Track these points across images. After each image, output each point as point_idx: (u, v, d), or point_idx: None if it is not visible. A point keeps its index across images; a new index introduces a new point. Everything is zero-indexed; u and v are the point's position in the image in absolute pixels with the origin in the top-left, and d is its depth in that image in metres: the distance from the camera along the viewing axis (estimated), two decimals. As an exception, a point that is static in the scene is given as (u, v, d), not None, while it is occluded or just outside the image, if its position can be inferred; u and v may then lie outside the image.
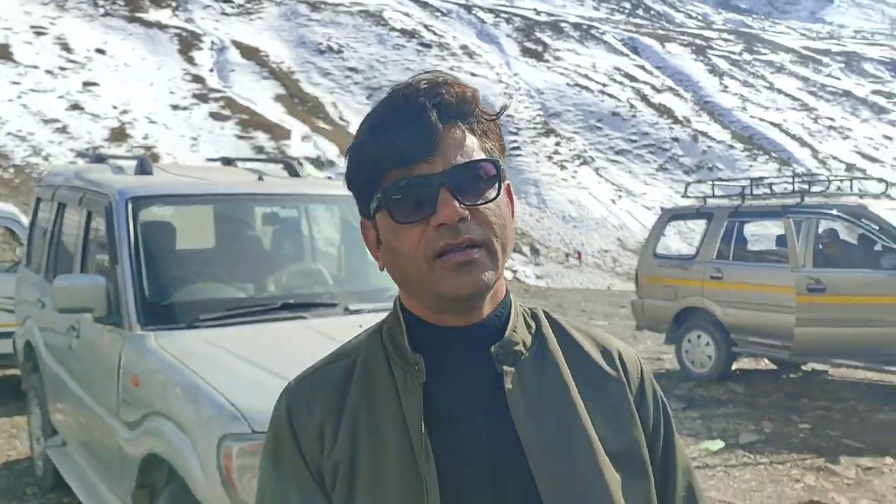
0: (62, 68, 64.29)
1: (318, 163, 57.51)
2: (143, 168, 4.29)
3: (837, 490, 5.12)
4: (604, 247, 57.41)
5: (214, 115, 62.33)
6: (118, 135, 55.12)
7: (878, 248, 7.60)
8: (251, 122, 62.15)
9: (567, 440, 0.98)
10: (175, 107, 62.89)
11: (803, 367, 9.00)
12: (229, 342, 3.24)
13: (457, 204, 0.93)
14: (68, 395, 4.23)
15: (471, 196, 0.95)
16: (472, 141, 0.98)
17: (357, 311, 3.72)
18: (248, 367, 3.00)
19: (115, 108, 60.05)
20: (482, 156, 0.98)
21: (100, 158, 5.11)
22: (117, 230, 3.67)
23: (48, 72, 63.39)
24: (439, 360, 1.01)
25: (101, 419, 3.61)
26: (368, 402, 1.01)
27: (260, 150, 57.69)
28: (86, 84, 63.05)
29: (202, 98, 64.83)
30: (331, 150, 59.46)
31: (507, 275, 34.76)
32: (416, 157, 0.94)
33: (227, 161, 5.51)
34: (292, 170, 4.93)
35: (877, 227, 7.48)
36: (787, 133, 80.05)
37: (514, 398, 0.98)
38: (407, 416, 0.98)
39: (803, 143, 78.49)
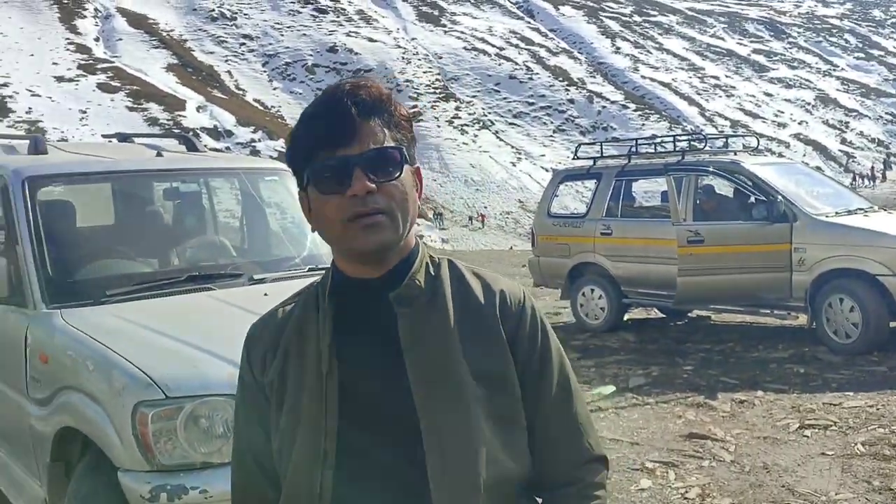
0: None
1: (216, 133, 56.06)
2: (37, 147, 4.28)
3: (714, 423, 5.64)
4: (506, 209, 58.44)
5: (103, 87, 59.79)
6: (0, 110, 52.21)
7: (750, 200, 8.20)
8: (143, 92, 59.90)
9: (441, 364, 1.26)
10: (60, 78, 59.98)
11: (689, 315, 9.65)
12: (138, 315, 3.35)
13: (367, 180, 1.20)
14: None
15: (379, 174, 1.23)
16: (384, 132, 1.26)
17: (261, 281, 3.87)
18: (159, 338, 3.13)
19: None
20: (391, 144, 1.25)
21: (123, 138, 4.98)
22: (15, 211, 3.69)
23: None
24: (355, 304, 1.29)
25: (9, 399, 3.66)
26: (298, 334, 1.30)
27: (153, 121, 55.77)
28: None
29: (88, 69, 62.01)
30: (228, 120, 58.01)
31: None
32: (338, 143, 1.23)
33: (124, 137, 5.51)
34: (190, 144, 4.99)
35: (749, 182, 8.07)
36: (677, 92, 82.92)
37: (404, 333, 1.26)
38: (320, 343, 1.27)
39: (692, 102, 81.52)
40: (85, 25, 68.92)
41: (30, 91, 55.89)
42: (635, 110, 76.35)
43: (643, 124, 72.41)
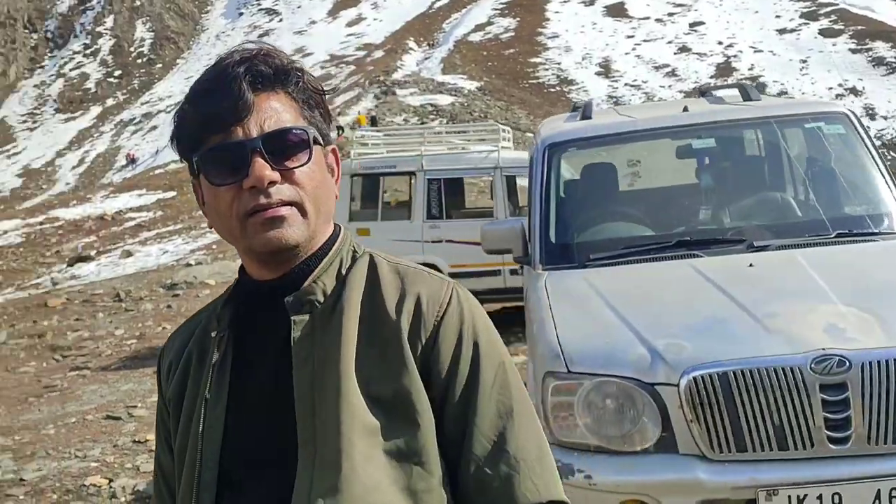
0: (670, 14, 67.33)
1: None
2: (585, 113, 4.48)
3: None
4: None
5: (825, 32, 58.06)
6: (723, 70, 55.55)
7: None
8: (868, 31, 56.00)
9: (331, 385, 0.99)
10: (781, 31, 60.47)
11: None
12: (601, 282, 3.26)
13: (268, 168, 1.00)
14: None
15: (282, 160, 1.02)
16: (290, 109, 1.04)
17: (762, 248, 3.33)
18: (600, 308, 3.00)
19: (720, 43, 60.66)
20: (299, 123, 1.03)
21: (702, 92, 5.30)
22: (534, 175, 3.97)
23: (658, 20, 67.16)
24: (251, 313, 1.08)
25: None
26: (198, 350, 1.12)
27: (879, 61, 51.83)
28: (692, 25, 65.01)
29: (810, 16, 60.92)
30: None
31: None
32: (230, 123, 1.02)
33: (703, 92, 5.32)
34: (745, 93, 4.53)
35: None
36: None
37: (297, 346, 1.03)
38: (214, 363, 1.08)
39: None
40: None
41: (752, 48, 57.82)
42: None
43: None
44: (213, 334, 1.09)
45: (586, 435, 2.58)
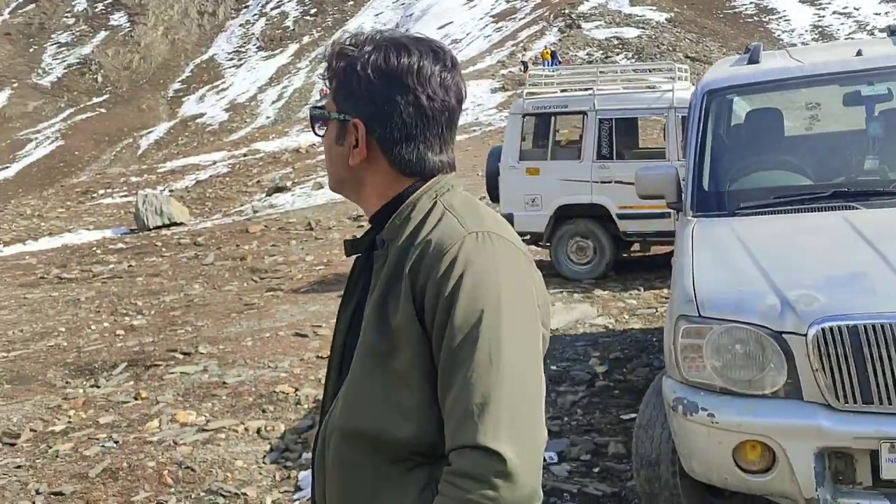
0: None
1: None
2: (752, 57, 4.40)
3: None
4: None
5: None
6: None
7: None
8: None
9: (367, 313, 1.28)
10: None
11: None
12: (747, 232, 3.31)
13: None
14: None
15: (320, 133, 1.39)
16: (331, 95, 1.34)
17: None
18: (742, 256, 3.07)
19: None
20: (325, 108, 1.36)
21: (893, 31, 5.06)
22: (691, 122, 4.00)
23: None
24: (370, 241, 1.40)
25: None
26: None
27: None
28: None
29: None
30: None
31: None
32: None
33: (893, 31, 5.00)
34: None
35: None
36: None
37: (373, 277, 1.31)
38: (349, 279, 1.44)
39: None
40: None
41: None
42: None
43: None
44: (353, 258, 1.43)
45: (713, 377, 2.72)
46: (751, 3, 55.26)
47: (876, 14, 49.42)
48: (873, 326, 2.46)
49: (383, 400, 1.23)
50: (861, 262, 2.80)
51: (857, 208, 3.30)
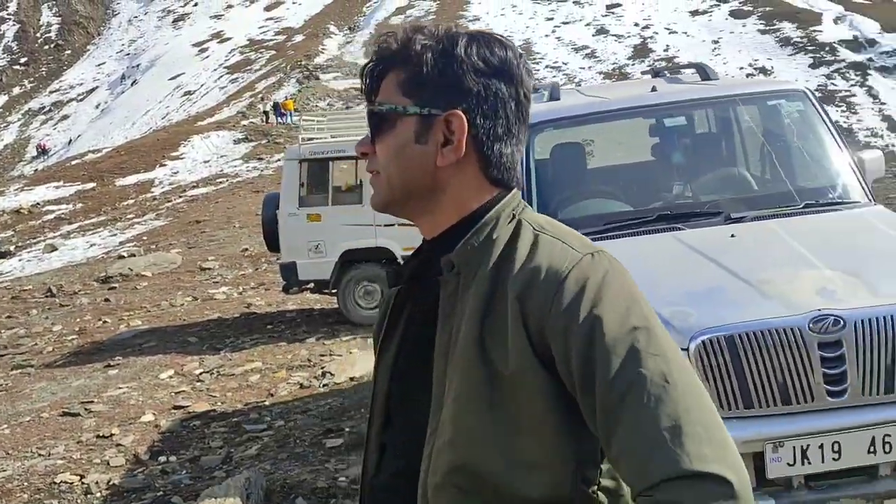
0: (588, -5, 68.18)
1: (855, 44, 51.24)
2: (552, 95, 4.59)
3: None
4: None
5: (735, 14, 59.89)
6: (640, 51, 56.72)
7: None
8: (775, 12, 58.06)
9: (460, 352, 1.05)
10: (694, 12, 62.10)
11: None
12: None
13: (369, 141, 1.14)
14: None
15: (375, 137, 1.14)
16: (395, 88, 1.12)
17: (739, 220, 3.51)
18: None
19: (636, 25, 61.90)
20: (392, 104, 1.11)
21: (655, 73, 5.35)
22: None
23: (576, 2, 68.08)
24: (425, 268, 1.18)
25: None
26: (387, 298, 1.25)
27: (786, 41, 53.82)
28: (609, 7, 66.16)
29: (724, -2, 62.68)
30: (870, 28, 52.36)
31: None
32: (368, 99, 1.15)
33: (656, 73, 5.49)
34: (703, 73, 4.72)
35: None
36: None
37: (442, 305, 1.10)
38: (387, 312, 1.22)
39: None
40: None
41: (667, 29, 59.26)
42: None
43: None
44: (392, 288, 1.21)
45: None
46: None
47: (581, 68, 55.42)
48: (747, 334, 2.58)
49: (501, 454, 1.02)
50: (713, 276, 2.95)
51: (682, 229, 3.50)
